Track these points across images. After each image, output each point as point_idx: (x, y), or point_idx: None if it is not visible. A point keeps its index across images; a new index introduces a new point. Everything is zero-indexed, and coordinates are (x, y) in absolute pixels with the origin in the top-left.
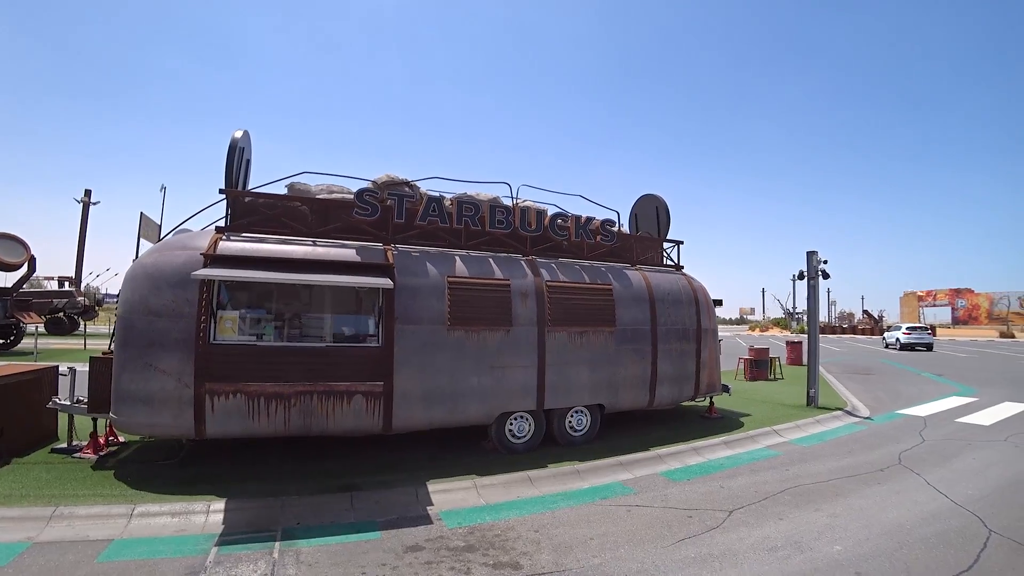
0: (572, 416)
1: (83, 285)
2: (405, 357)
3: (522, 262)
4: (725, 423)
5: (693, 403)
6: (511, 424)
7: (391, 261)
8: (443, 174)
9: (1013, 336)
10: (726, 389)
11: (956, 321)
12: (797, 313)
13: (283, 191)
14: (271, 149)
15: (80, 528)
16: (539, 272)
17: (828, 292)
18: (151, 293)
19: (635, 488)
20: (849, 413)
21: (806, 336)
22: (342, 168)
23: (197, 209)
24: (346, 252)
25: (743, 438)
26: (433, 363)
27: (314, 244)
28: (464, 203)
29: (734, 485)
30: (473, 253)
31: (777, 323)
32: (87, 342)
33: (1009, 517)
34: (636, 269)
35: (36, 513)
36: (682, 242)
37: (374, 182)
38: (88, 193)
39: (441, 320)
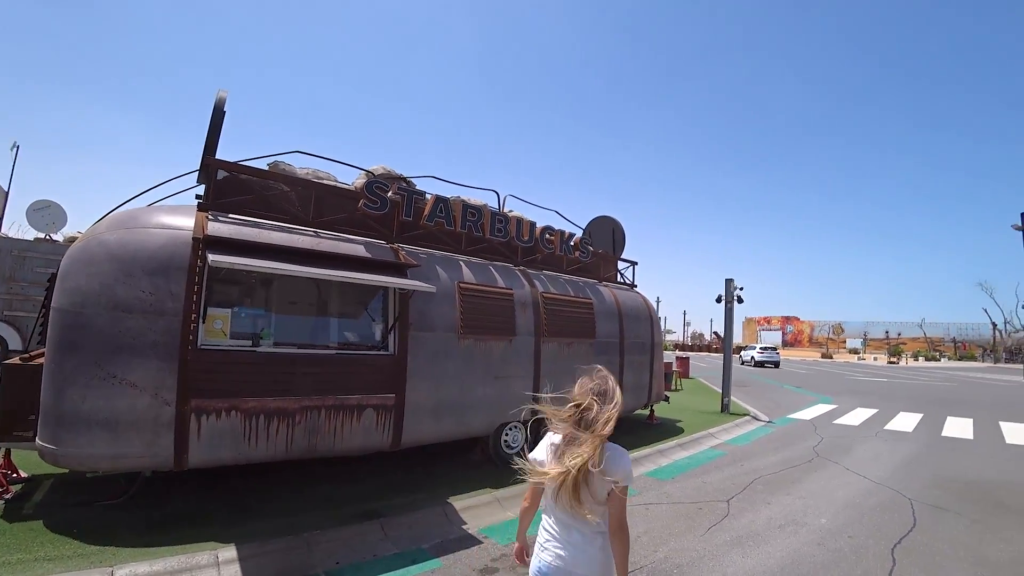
0: None
1: None
2: (418, 366)
3: (517, 272)
4: (667, 428)
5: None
6: (507, 434)
7: (407, 261)
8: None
9: (832, 357)
10: (666, 398)
11: (785, 344)
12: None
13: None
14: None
15: None
16: (533, 283)
17: (684, 314)
18: (119, 282)
19: (636, 489)
20: (755, 418)
21: (682, 352)
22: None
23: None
24: (355, 247)
25: (691, 441)
26: (445, 373)
27: (316, 235)
28: (469, 207)
29: (713, 480)
30: (473, 260)
31: None
32: None
33: (915, 489)
34: (604, 285)
35: None
36: (637, 263)
37: (370, 172)
38: None
39: (453, 328)
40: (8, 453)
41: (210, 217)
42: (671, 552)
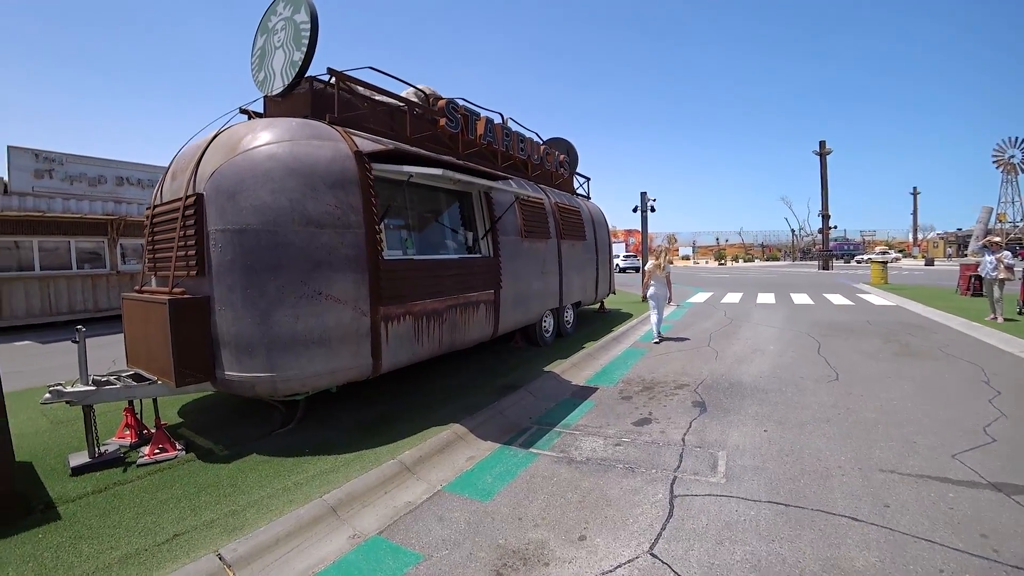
0: (566, 312)
1: None
2: (504, 265)
3: (539, 186)
4: (617, 316)
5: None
6: (544, 321)
7: (503, 174)
8: None
9: (672, 263)
10: (613, 291)
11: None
12: None
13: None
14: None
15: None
16: (548, 195)
17: None
18: (307, 196)
19: (646, 349)
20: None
21: None
22: None
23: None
24: (472, 164)
25: (646, 318)
26: (517, 271)
27: (419, 151)
28: (505, 130)
29: (688, 334)
30: (510, 175)
31: None
32: None
33: (805, 329)
34: (579, 197)
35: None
36: (590, 178)
37: (420, 90)
38: None
39: (517, 232)
40: (132, 406)
41: (348, 132)
42: (712, 371)
